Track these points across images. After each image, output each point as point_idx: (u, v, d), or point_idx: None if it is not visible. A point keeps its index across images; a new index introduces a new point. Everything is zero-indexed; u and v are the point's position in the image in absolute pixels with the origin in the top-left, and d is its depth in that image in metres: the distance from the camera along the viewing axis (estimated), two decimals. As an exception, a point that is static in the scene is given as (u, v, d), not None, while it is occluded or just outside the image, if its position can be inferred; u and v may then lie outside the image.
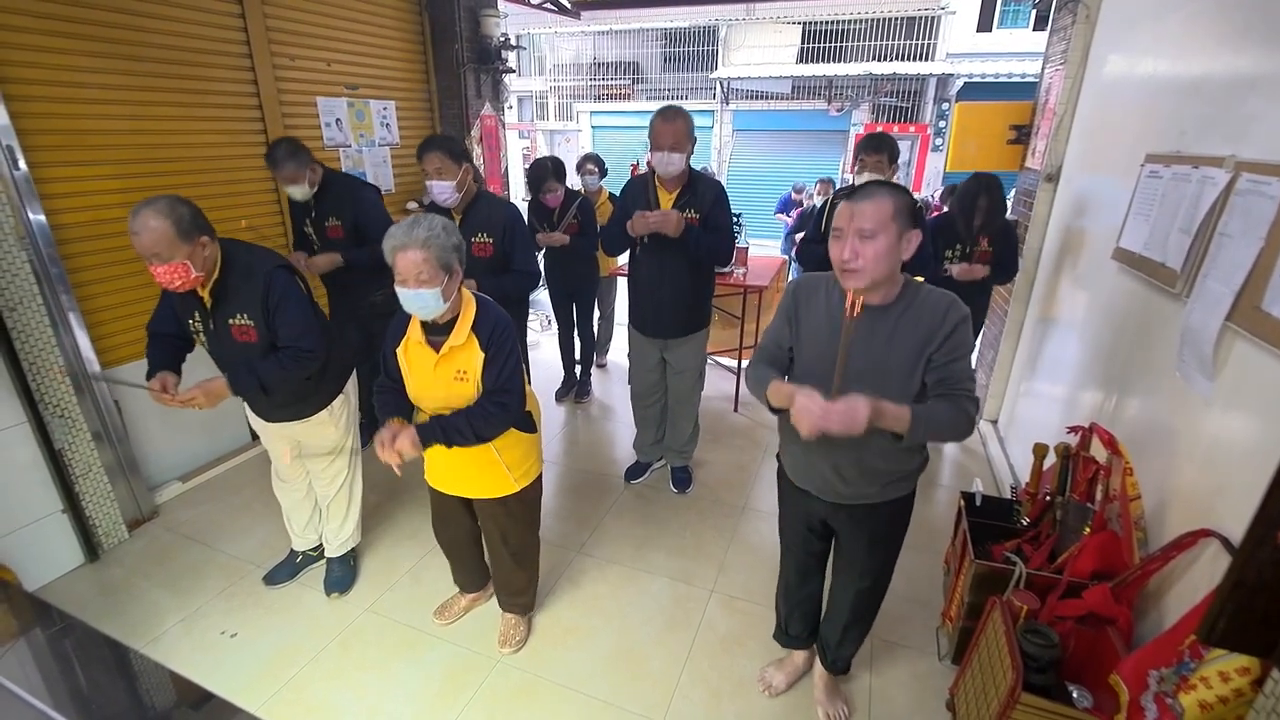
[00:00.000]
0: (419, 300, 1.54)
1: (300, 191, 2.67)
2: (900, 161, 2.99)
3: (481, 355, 1.64)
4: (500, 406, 1.65)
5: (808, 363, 1.46)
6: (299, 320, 1.86)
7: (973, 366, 1.39)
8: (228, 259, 1.80)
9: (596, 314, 4.17)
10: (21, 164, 2.24)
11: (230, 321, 1.82)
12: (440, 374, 1.65)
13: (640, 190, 2.54)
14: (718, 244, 2.50)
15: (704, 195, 2.48)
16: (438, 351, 1.64)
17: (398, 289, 1.55)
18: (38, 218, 2.30)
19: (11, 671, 0.94)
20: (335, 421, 2.14)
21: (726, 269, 3.67)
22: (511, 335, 1.70)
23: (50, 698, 0.90)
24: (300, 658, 2.04)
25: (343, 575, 2.35)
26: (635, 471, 3.09)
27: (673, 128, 2.32)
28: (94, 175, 2.52)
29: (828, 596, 1.82)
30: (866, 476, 1.49)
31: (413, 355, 1.68)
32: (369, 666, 2.02)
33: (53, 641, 1.07)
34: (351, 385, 2.22)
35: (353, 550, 2.43)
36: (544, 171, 3.37)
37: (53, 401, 2.28)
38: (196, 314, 1.85)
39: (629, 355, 2.88)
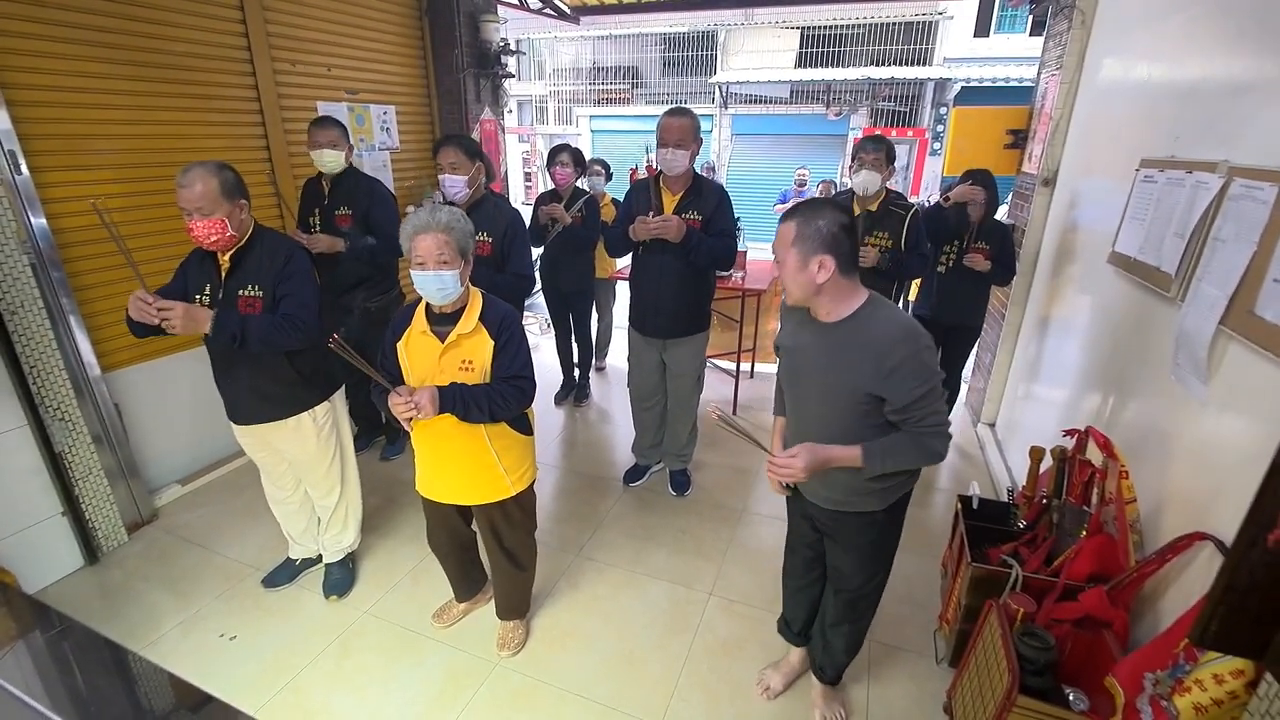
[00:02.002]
0: (439, 282, 1.56)
1: (333, 161, 2.71)
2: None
3: (490, 344, 1.66)
4: (518, 390, 1.68)
5: (781, 376, 1.62)
6: (306, 295, 1.90)
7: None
8: (257, 233, 1.90)
9: (595, 317, 4.19)
10: (23, 168, 2.25)
11: (240, 292, 1.85)
12: (445, 364, 1.65)
13: (644, 192, 2.56)
14: (720, 248, 2.51)
15: (707, 199, 2.50)
16: (443, 341, 1.64)
17: (415, 273, 1.56)
18: (39, 221, 2.31)
19: (11, 674, 0.94)
20: (318, 431, 2.10)
21: (726, 273, 3.68)
22: (520, 324, 1.73)
23: (50, 700, 0.90)
24: (299, 660, 2.05)
25: (341, 578, 2.35)
26: (634, 475, 3.10)
27: (679, 123, 2.35)
28: (95, 180, 2.53)
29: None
30: (829, 486, 1.53)
31: (415, 346, 1.68)
32: (368, 669, 2.02)
33: (52, 644, 1.07)
34: (339, 397, 2.20)
35: (351, 554, 2.43)
36: (562, 147, 3.54)
37: (53, 404, 2.29)
38: (208, 286, 1.87)
39: (628, 358, 2.89)
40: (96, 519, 2.47)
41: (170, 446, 2.94)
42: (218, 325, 1.76)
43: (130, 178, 2.62)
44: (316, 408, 2.09)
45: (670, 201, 2.50)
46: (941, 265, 3.07)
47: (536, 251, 3.51)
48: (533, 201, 3.61)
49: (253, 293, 1.85)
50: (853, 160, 2.75)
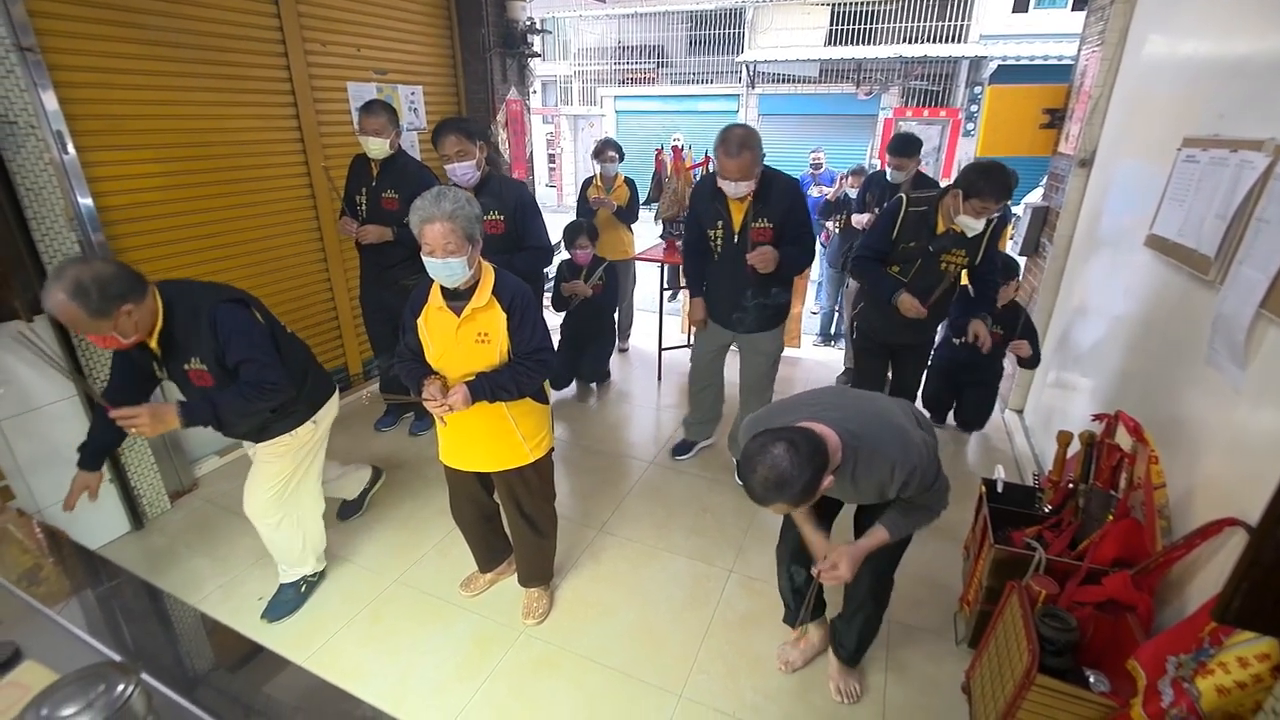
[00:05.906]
0: (447, 269, 1.62)
1: (379, 148, 2.74)
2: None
3: (504, 317, 1.72)
4: (540, 364, 1.77)
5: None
6: (256, 354, 1.74)
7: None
8: (169, 306, 1.69)
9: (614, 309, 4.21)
10: (70, 148, 2.32)
11: (185, 368, 1.74)
12: (462, 337, 1.72)
13: (708, 199, 2.44)
14: (798, 257, 2.46)
15: (777, 202, 2.37)
16: (459, 315, 1.70)
17: (425, 259, 1.62)
18: (85, 201, 2.39)
19: (77, 619, 1.01)
20: (292, 447, 2.01)
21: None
22: (532, 296, 1.78)
23: (114, 644, 0.96)
24: (333, 624, 2.13)
25: (289, 600, 2.17)
26: (682, 449, 3.11)
27: (738, 163, 2.21)
28: (136, 159, 2.60)
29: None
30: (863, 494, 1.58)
31: (433, 321, 1.75)
32: (399, 634, 2.10)
33: (111, 594, 1.14)
34: (325, 413, 2.09)
35: (310, 576, 2.24)
36: (578, 230, 3.61)
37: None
38: (154, 363, 1.77)
39: (695, 334, 2.83)
40: (142, 487, 2.59)
41: (209, 419, 3.05)
42: (188, 417, 1.68)
43: (168, 157, 2.69)
44: (298, 428, 2.01)
45: (738, 209, 2.39)
46: (958, 339, 3.06)
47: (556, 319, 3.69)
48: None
49: (197, 365, 1.73)
50: (966, 199, 2.27)
